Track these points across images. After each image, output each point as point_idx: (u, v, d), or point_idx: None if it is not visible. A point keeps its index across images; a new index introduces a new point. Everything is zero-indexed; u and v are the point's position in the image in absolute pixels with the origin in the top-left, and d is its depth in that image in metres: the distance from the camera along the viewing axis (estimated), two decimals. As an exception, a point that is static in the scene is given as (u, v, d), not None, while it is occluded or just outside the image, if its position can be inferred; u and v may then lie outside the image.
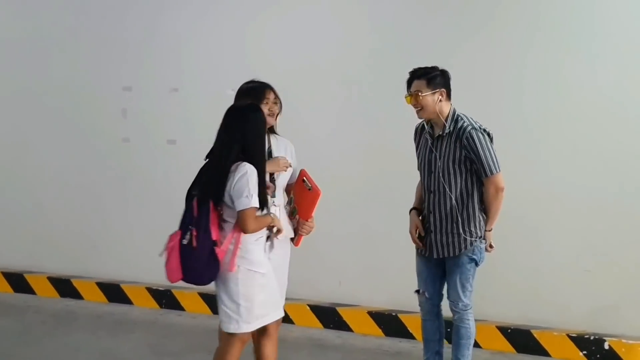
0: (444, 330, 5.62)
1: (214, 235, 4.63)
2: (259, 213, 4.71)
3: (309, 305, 7.71)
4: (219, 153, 4.73)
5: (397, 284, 6.21)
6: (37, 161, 9.21)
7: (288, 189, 5.37)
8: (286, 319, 7.57)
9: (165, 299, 8.29)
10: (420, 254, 5.52)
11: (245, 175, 4.61)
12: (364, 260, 7.64)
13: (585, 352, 6.62)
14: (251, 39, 8.12)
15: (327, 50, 7.84)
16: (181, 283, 4.82)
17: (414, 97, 5.30)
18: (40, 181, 9.20)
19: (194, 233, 4.61)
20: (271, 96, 5.25)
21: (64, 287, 8.85)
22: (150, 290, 8.36)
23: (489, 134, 5.31)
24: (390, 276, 7.33)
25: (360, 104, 7.68)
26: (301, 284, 7.65)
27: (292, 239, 5.31)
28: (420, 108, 5.33)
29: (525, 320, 6.99)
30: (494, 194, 5.28)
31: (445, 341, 5.71)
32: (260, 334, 5.27)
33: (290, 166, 5.24)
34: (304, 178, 5.25)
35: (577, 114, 6.88)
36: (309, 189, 5.19)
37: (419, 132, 5.51)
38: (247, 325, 4.73)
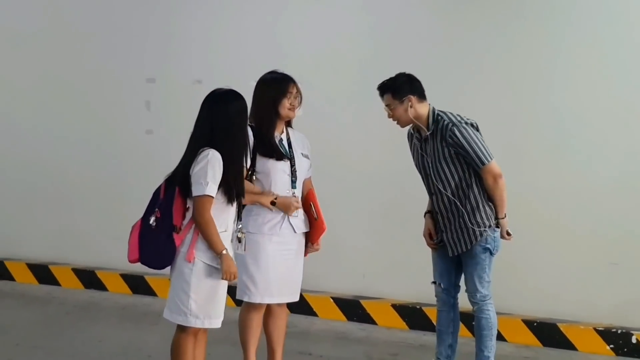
0: (458, 324, 5.60)
1: (175, 220, 4.49)
2: (232, 227, 4.66)
3: (332, 297, 7.73)
4: (190, 141, 4.61)
5: (422, 277, 6.20)
6: (61, 154, 9.28)
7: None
8: (309, 311, 7.68)
9: (188, 291, 8.30)
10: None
11: (205, 160, 4.45)
12: (388, 253, 7.64)
13: (612, 345, 6.62)
14: (273, 32, 8.19)
15: (347, 44, 7.88)
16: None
17: (387, 111, 5.38)
18: (65, 173, 9.28)
19: (157, 215, 4.50)
20: (294, 90, 5.27)
21: (89, 278, 8.92)
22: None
23: (472, 125, 5.28)
24: (414, 269, 7.29)
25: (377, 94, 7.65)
26: (325, 276, 7.72)
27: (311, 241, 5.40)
28: (395, 119, 5.40)
29: (551, 313, 6.98)
30: (492, 182, 5.26)
31: (469, 335, 5.68)
32: (267, 314, 5.35)
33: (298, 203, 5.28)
34: (312, 203, 5.32)
35: (606, 106, 6.88)
36: (315, 219, 5.30)
37: (410, 137, 5.53)
38: (195, 320, 4.56)
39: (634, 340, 6.53)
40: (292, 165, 5.26)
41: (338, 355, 6.53)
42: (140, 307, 8.09)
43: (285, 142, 5.29)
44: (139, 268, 8.76)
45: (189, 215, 4.55)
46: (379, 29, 7.75)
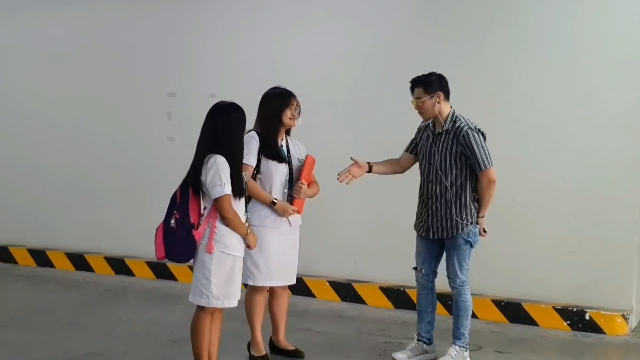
0: (436, 304, 5.66)
1: (193, 218, 4.55)
2: (243, 218, 4.69)
3: (328, 281, 7.77)
4: (197, 146, 4.67)
5: (406, 263, 6.25)
6: (95, 157, 9.32)
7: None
8: (308, 293, 7.71)
9: (205, 276, 8.36)
10: (419, 233, 5.56)
11: (215, 166, 4.51)
12: (376, 242, 7.69)
13: (568, 322, 6.68)
14: (277, 51, 8.21)
15: (343, 60, 7.91)
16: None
17: (416, 103, 5.38)
18: (98, 174, 9.30)
19: (177, 216, 4.55)
20: (295, 102, 5.35)
21: (119, 265, 8.94)
22: (192, 268, 8.43)
23: (482, 134, 5.36)
24: (399, 256, 7.28)
25: (371, 105, 7.72)
26: (322, 263, 7.75)
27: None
28: (422, 112, 5.40)
29: (516, 294, 7.04)
30: (486, 185, 5.32)
31: (446, 313, 5.72)
32: (271, 296, 5.45)
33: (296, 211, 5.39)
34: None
35: (561, 115, 6.95)
36: (302, 163, 5.43)
37: (423, 128, 5.59)
38: (215, 301, 4.64)
39: (587, 317, 6.61)
40: (290, 168, 5.34)
41: (333, 331, 6.58)
42: (163, 290, 8.15)
43: (284, 148, 5.37)
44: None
45: (205, 212, 4.63)
46: (371, 48, 7.79)
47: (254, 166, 5.24)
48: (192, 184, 4.60)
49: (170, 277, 8.58)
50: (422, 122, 5.59)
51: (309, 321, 6.85)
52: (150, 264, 8.73)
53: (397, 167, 5.72)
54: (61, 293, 8.05)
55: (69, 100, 9.49)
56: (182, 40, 8.79)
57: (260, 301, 5.40)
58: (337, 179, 5.52)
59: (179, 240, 4.56)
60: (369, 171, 5.61)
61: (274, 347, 5.62)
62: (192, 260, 4.73)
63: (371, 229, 7.73)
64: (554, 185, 6.94)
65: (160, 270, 8.66)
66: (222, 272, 4.64)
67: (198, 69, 8.69)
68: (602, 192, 6.77)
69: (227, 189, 4.53)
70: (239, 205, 4.68)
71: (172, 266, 8.54)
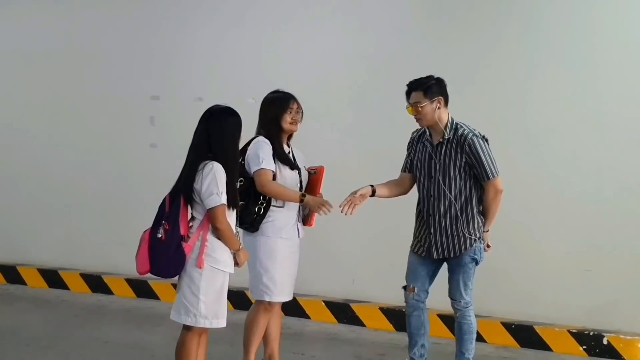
0: (428, 324, 5.51)
1: (182, 230, 4.51)
2: (234, 230, 4.64)
3: (324, 301, 7.73)
4: (189, 152, 4.64)
5: (407, 281, 6.24)
6: (70, 165, 9.32)
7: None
8: (302, 314, 7.67)
9: (189, 294, 8.30)
10: (416, 252, 5.49)
11: (212, 173, 4.49)
12: (376, 259, 7.65)
13: (585, 347, 6.62)
14: (269, 52, 8.23)
15: (336, 62, 7.94)
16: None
17: (414, 108, 5.28)
18: (74, 184, 9.31)
19: (166, 227, 4.50)
20: (294, 106, 5.35)
21: (95, 282, 8.92)
22: (176, 286, 8.38)
23: (487, 140, 5.29)
24: (400, 274, 7.24)
25: (370, 112, 7.70)
26: (317, 281, 7.72)
27: (304, 224, 5.40)
28: (420, 117, 5.30)
29: (528, 316, 7.00)
30: (493, 196, 5.25)
31: (452, 337, 5.67)
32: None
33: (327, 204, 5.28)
34: (309, 171, 5.41)
35: (577, 123, 6.93)
36: (314, 173, 5.35)
37: (416, 140, 5.49)
38: (203, 320, 4.59)
39: (605, 342, 6.55)
40: (300, 175, 5.34)
41: (329, 355, 6.52)
42: (144, 309, 8.11)
43: (290, 156, 5.36)
44: (143, 273, 8.63)
45: (195, 223, 4.59)
46: (374, 50, 7.79)
47: (274, 170, 5.21)
48: (184, 192, 4.54)
49: (152, 295, 8.53)
50: (412, 134, 5.51)
51: (302, 344, 6.78)
52: (130, 282, 8.69)
53: (400, 188, 5.59)
54: (33, 312, 7.99)
55: (42, 104, 9.51)
56: (166, 39, 8.81)
57: (265, 321, 5.34)
58: (342, 211, 5.29)
59: (168, 253, 4.50)
60: (372, 195, 5.45)
61: (269, 370, 5.56)
62: (176, 276, 4.65)
63: (370, 244, 7.70)
64: (568, 198, 6.92)
65: (141, 288, 8.61)
66: (212, 289, 4.58)
67: (184, 70, 8.70)
68: (620, 206, 6.75)
69: (224, 199, 4.49)
70: (230, 217, 4.62)
71: (154, 284, 8.49)
